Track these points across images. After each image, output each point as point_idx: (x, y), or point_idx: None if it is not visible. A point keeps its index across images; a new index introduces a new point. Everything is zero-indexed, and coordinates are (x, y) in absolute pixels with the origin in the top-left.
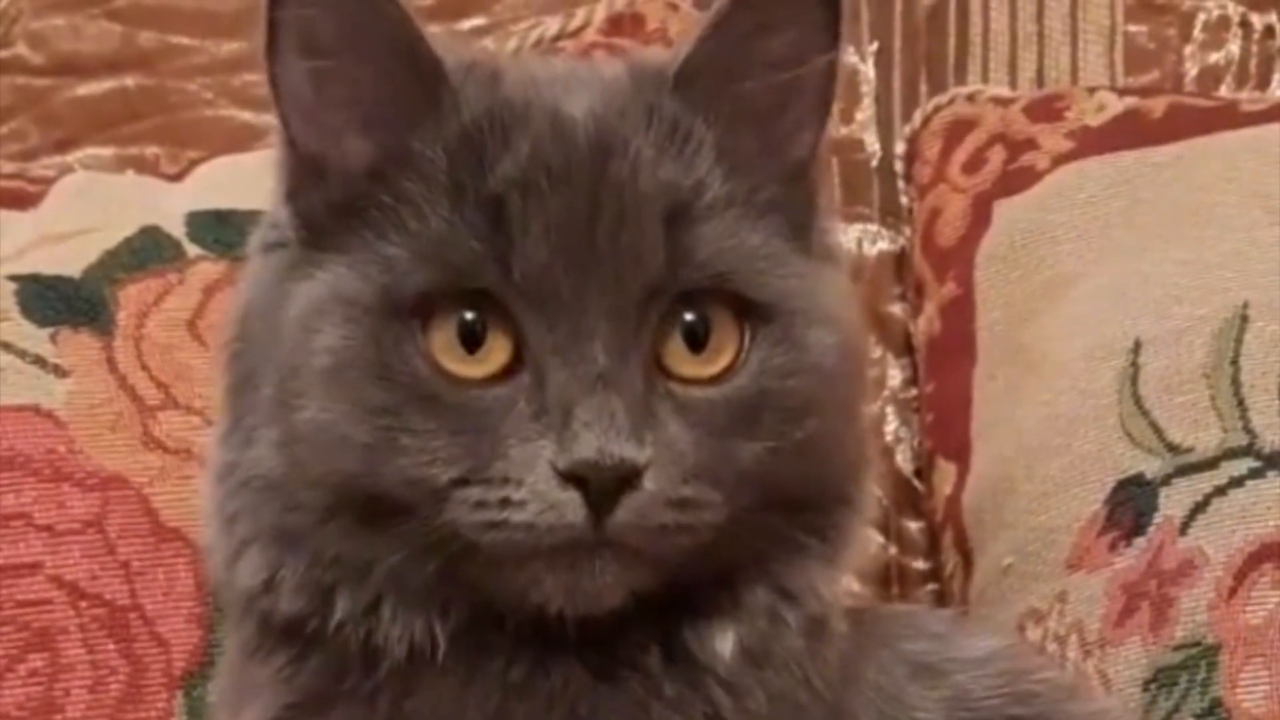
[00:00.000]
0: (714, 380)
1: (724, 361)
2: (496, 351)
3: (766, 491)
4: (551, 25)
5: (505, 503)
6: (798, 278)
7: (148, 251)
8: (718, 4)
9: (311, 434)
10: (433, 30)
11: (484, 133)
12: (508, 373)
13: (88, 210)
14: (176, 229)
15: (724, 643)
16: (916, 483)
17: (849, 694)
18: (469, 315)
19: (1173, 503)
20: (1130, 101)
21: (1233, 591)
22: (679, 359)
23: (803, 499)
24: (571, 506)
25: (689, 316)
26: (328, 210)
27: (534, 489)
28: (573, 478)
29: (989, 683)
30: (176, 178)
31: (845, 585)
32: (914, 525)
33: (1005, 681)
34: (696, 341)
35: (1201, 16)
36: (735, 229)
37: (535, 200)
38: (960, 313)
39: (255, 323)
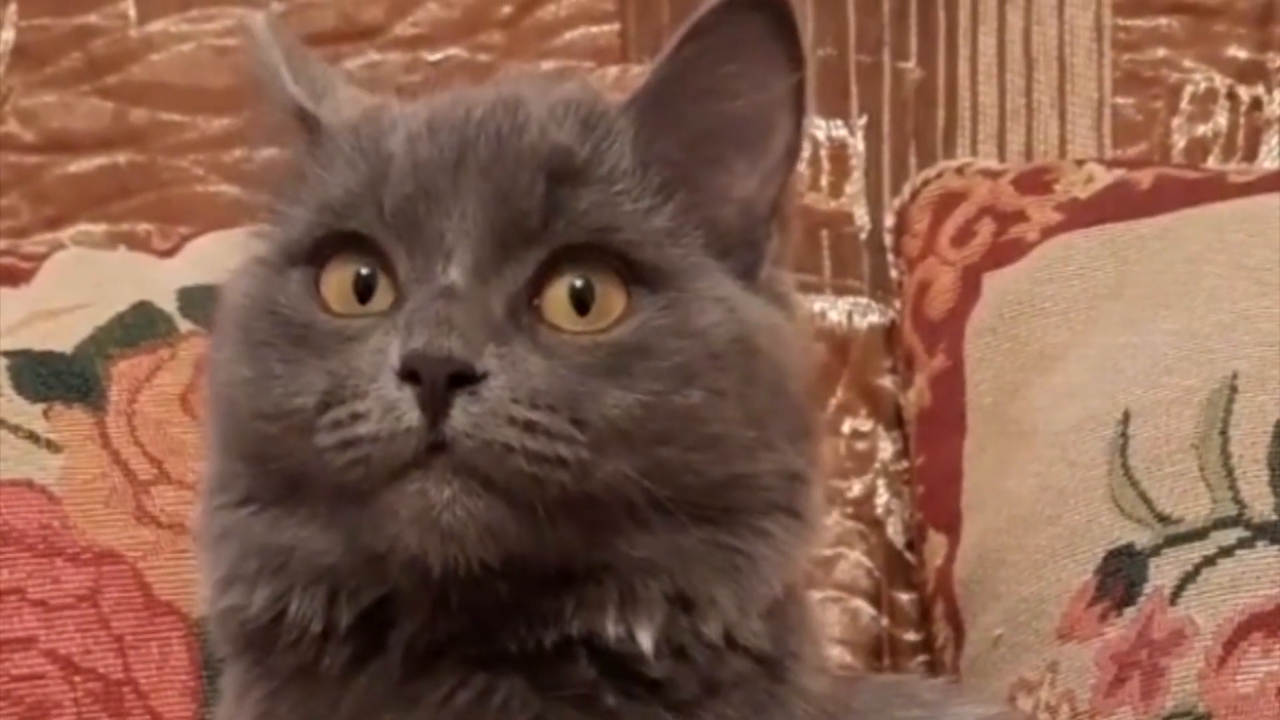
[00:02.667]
0: (590, 333)
1: (605, 323)
2: (384, 296)
3: (652, 463)
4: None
5: (354, 417)
6: (704, 268)
7: (140, 327)
8: (675, 35)
9: (220, 386)
10: None
11: (390, 108)
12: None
13: (80, 286)
14: (169, 304)
15: (644, 638)
16: (908, 555)
17: None
18: (360, 266)
19: (1162, 573)
20: (1118, 173)
21: (1223, 661)
22: (560, 315)
23: (703, 500)
24: (406, 406)
25: (575, 282)
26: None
27: (377, 395)
28: (407, 374)
29: None
30: (168, 253)
31: (762, 606)
32: (905, 597)
33: None
34: (582, 305)
35: (1189, 89)
36: (633, 200)
37: (415, 147)
38: (950, 385)
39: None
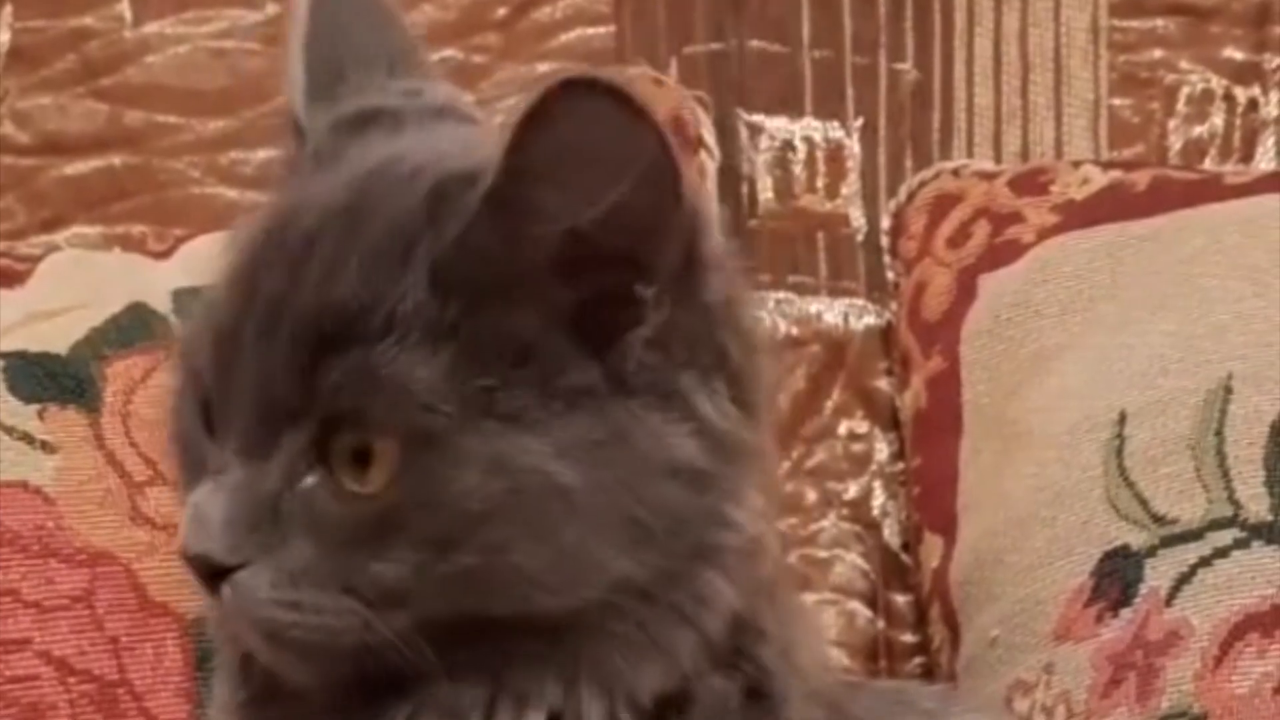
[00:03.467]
0: (356, 499)
1: (381, 483)
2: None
3: (443, 614)
4: None
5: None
6: (482, 417)
7: (135, 328)
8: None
9: None
10: None
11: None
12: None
13: (75, 288)
14: (163, 306)
15: None
16: (904, 556)
17: None
18: (197, 391)
19: (1158, 574)
20: (1114, 175)
21: (1218, 661)
22: (345, 475)
23: (529, 625)
24: (196, 584)
25: (348, 437)
26: None
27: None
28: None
29: None
30: (163, 255)
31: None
32: (901, 599)
33: None
34: (359, 461)
35: (1185, 90)
36: (401, 355)
37: (229, 294)
38: (946, 387)
39: None
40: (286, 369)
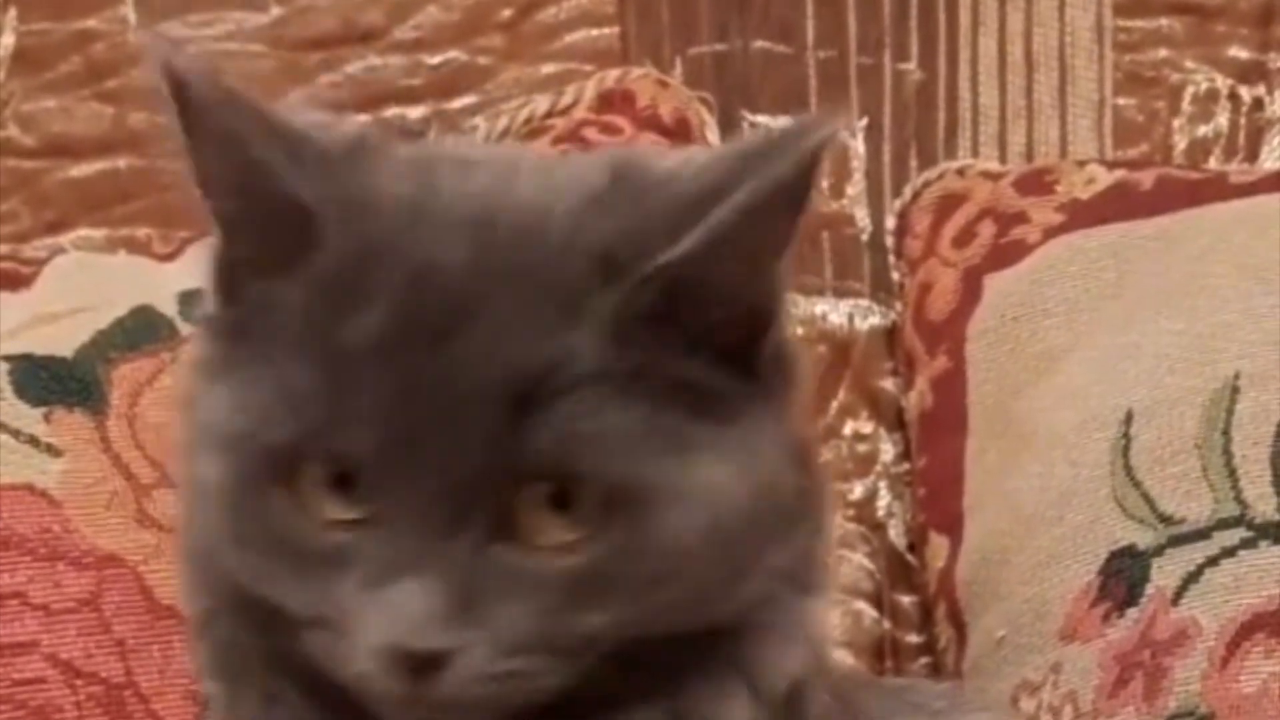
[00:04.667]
0: (559, 551)
1: (578, 534)
2: (359, 500)
3: (631, 647)
4: (541, 103)
5: (346, 656)
6: (677, 454)
7: (140, 331)
8: (721, 204)
9: (202, 549)
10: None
11: (343, 282)
12: (360, 526)
13: (80, 290)
14: (169, 308)
15: None
16: (909, 557)
17: None
18: (330, 474)
19: (1165, 573)
20: (1120, 174)
21: (1226, 661)
22: (533, 528)
23: (689, 636)
24: (393, 677)
25: (543, 490)
26: (232, 326)
27: (360, 657)
28: (387, 657)
29: None
30: (169, 257)
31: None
32: (907, 599)
33: None
34: (552, 513)
35: (1190, 89)
36: (598, 409)
37: (379, 365)
38: (952, 387)
39: (181, 401)
40: (484, 435)
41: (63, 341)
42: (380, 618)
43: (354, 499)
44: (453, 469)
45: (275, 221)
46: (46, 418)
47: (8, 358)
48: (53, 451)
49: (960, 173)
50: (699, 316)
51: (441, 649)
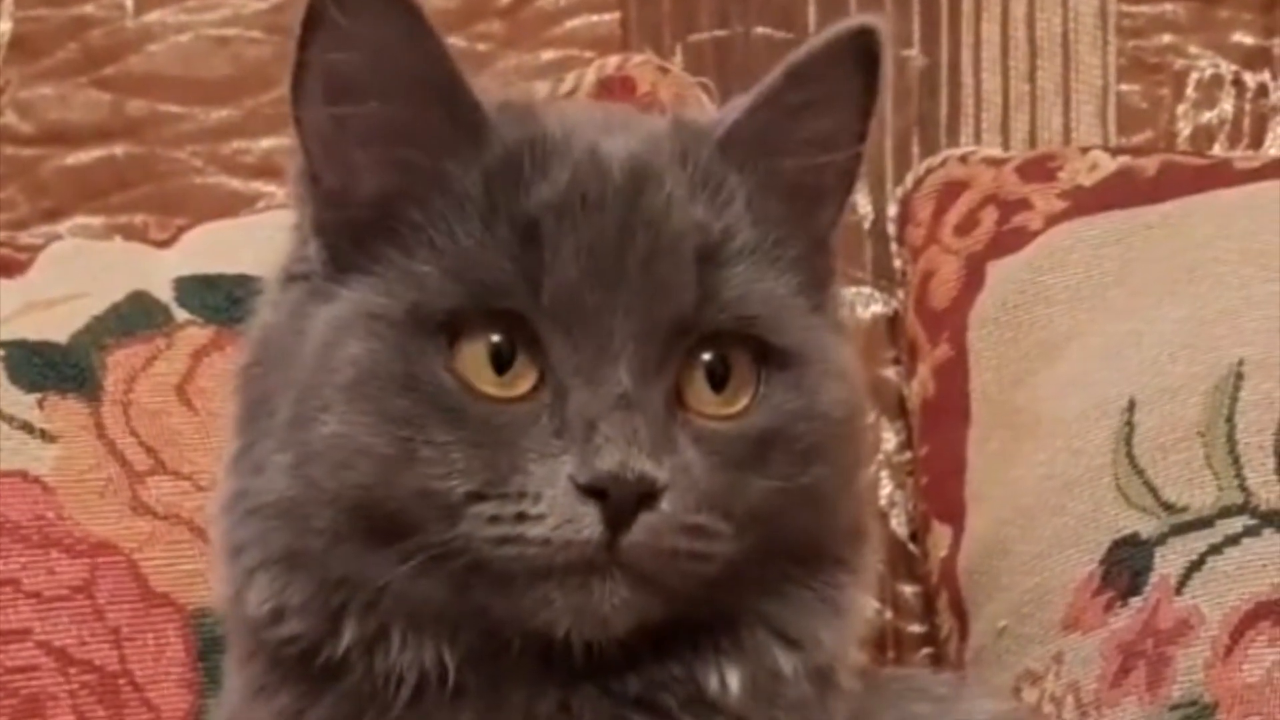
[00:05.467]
0: (730, 418)
1: (741, 403)
2: (523, 373)
3: (772, 533)
4: (542, 90)
5: (522, 517)
6: (814, 330)
7: (136, 317)
8: (769, 77)
9: (329, 449)
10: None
11: (522, 159)
12: (533, 393)
13: (76, 276)
14: (165, 294)
15: (733, 680)
16: (912, 546)
17: None
18: (498, 338)
19: (1168, 562)
20: (1123, 161)
21: (1229, 650)
22: (699, 396)
23: (802, 552)
24: (589, 521)
25: (708, 356)
26: (352, 237)
27: (553, 502)
28: (593, 491)
29: None
30: (165, 244)
31: (853, 644)
32: (909, 589)
33: None
34: (717, 381)
35: (1194, 76)
36: (761, 276)
37: (569, 224)
38: (954, 375)
39: (273, 348)
40: (684, 284)
41: (58, 327)
42: (594, 449)
43: (521, 371)
44: (651, 314)
45: (447, 118)
46: (40, 404)
47: (2, 343)
48: (46, 438)
49: (963, 159)
50: (793, 212)
51: (656, 478)
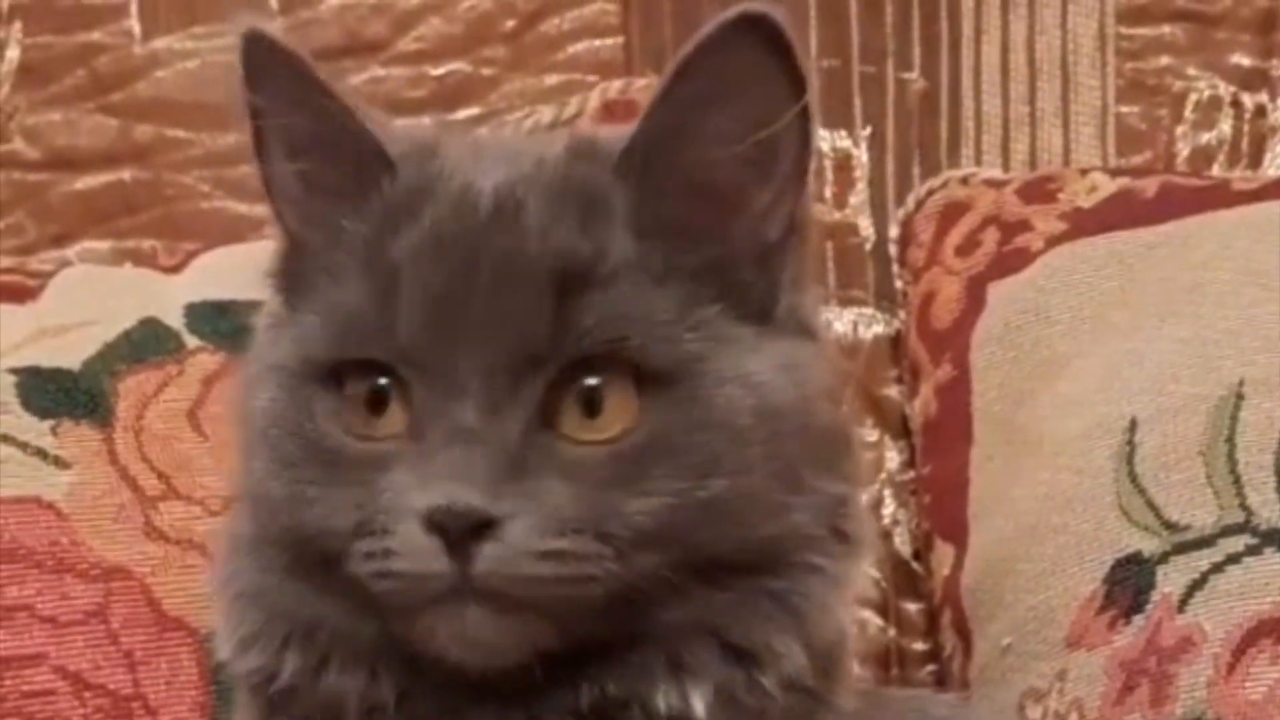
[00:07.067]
0: (608, 441)
1: (618, 426)
2: (394, 416)
3: (686, 548)
4: (546, 114)
5: (387, 553)
6: (717, 342)
7: (147, 343)
8: (664, 76)
9: (257, 493)
10: (420, 120)
11: (400, 206)
12: (400, 434)
13: (87, 303)
14: (175, 320)
15: (698, 700)
16: (915, 565)
17: None
18: (371, 384)
19: (1170, 580)
20: (1123, 182)
21: (1231, 668)
22: (572, 422)
23: (743, 561)
24: (434, 553)
25: (585, 383)
26: (290, 286)
27: (405, 537)
28: (433, 525)
29: None
30: (174, 269)
31: (824, 650)
32: (913, 607)
33: None
34: (592, 406)
35: (1193, 97)
36: (639, 295)
37: (424, 267)
38: (956, 395)
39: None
40: (533, 315)
41: (70, 354)
42: (428, 483)
43: (393, 413)
44: (502, 345)
45: (353, 163)
46: (54, 430)
47: (15, 370)
48: (60, 464)
49: (964, 181)
50: (704, 216)
51: (488, 511)
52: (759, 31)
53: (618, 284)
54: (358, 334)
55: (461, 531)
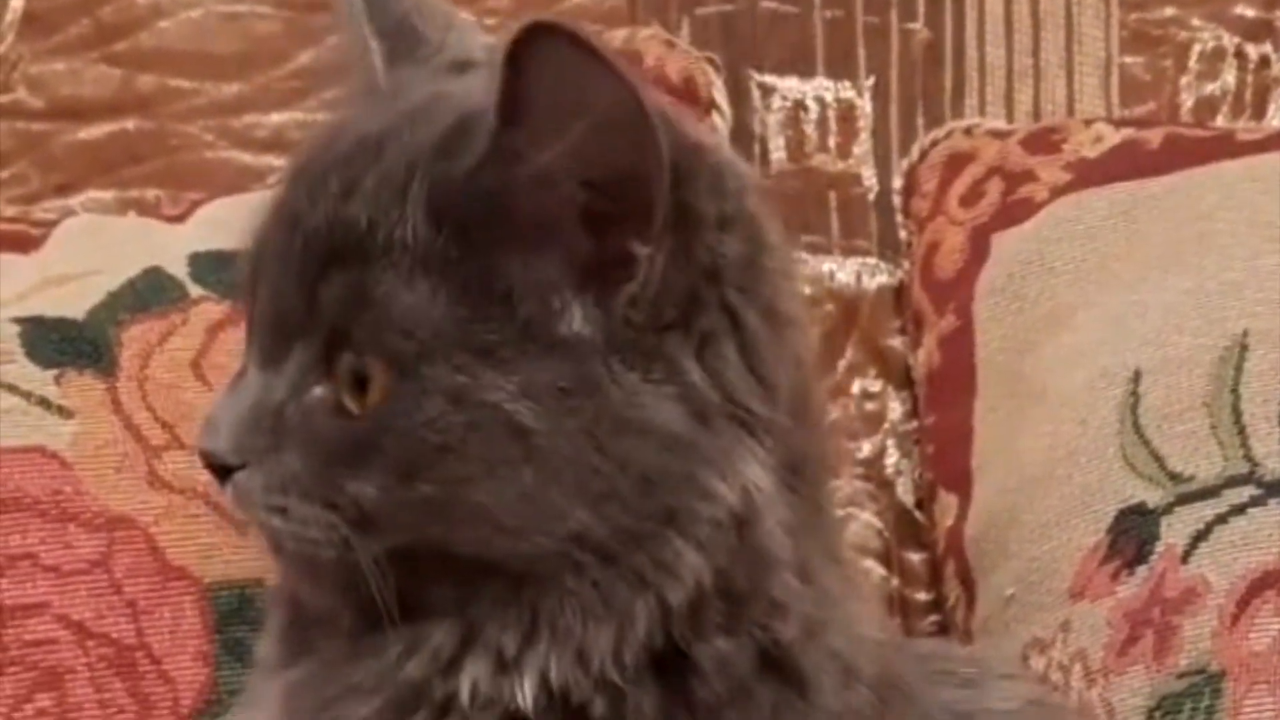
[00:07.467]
0: (354, 419)
1: (371, 403)
2: None
3: (423, 539)
4: None
5: None
6: (464, 355)
7: (151, 293)
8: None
9: None
10: None
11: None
12: None
13: (90, 253)
14: (179, 270)
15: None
16: (918, 515)
17: None
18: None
19: (1174, 531)
20: (1127, 133)
21: (1235, 619)
22: (348, 394)
23: (478, 566)
24: (212, 481)
25: (345, 355)
26: None
27: None
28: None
29: None
30: (178, 219)
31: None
32: (916, 557)
33: None
34: (359, 383)
35: (1197, 48)
36: (399, 283)
37: (258, 220)
38: (960, 345)
39: None
40: (297, 282)
41: (73, 304)
42: (204, 421)
43: None
44: (276, 308)
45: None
46: (57, 380)
47: (19, 320)
48: (64, 413)
49: (968, 132)
50: (533, 225)
51: (221, 459)
52: (559, 48)
53: (379, 261)
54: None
55: (213, 469)
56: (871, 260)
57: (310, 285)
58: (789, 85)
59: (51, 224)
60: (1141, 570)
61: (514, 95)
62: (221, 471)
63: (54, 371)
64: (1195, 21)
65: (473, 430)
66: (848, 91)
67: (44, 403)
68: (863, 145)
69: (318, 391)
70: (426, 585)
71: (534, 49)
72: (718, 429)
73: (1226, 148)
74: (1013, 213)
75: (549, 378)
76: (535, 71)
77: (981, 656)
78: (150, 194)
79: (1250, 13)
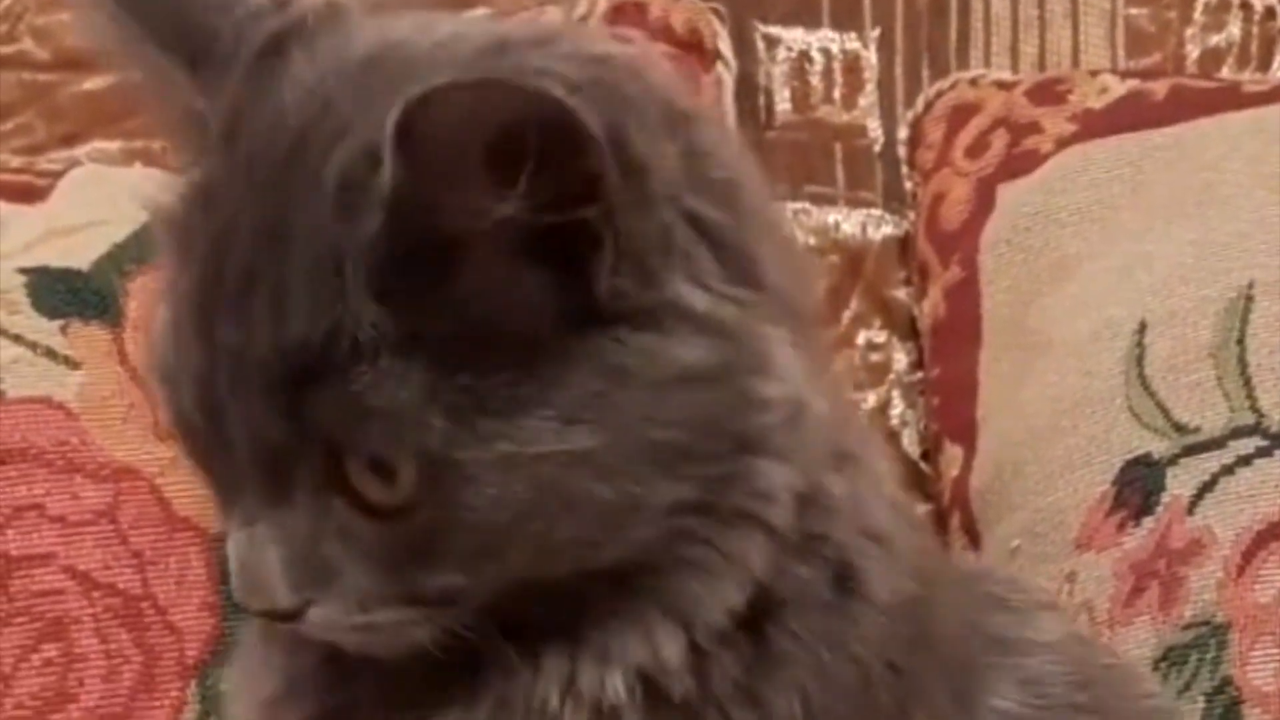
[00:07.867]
0: (397, 512)
1: (406, 491)
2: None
3: (508, 591)
4: (555, 14)
5: None
6: (474, 421)
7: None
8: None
9: None
10: None
11: (189, 215)
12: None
13: (96, 203)
14: None
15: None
16: (923, 465)
17: (919, 662)
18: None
19: (1180, 482)
20: (1132, 84)
21: (1241, 570)
22: (369, 489)
23: (589, 578)
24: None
25: (353, 461)
26: None
27: None
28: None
29: (1058, 669)
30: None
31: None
32: (921, 508)
33: (1073, 668)
34: (383, 473)
35: None
36: (379, 380)
37: (194, 327)
38: (965, 296)
39: None
40: (270, 417)
41: (79, 254)
42: (233, 575)
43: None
44: (258, 447)
45: (184, 127)
46: (63, 330)
47: (24, 270)
48: (70, 364)
49: (973, 83)
50: (473, 259)
51: (284, 607)
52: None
53: (355, 368)
54: (162, 371)
55: (281, 619)
56: (877, 212)
57: (288, 417)
58: (794, 36)
59: (57, 175)
60: (1147, 521)
61: (406, 162)
62: (291, 617)
63: (60, 322)
64: None
65: (536, 487)
66: (853, 42)
67: (50, 353)
68: (868, 96)
69: (338, 505)
70: (528, 616)
71: (416, 125)
72: (742, 338)
73: (1232, 99)
74: (1018, 164)
75: (580, 390)
76: (421, 138)
77: (1024, 584)
78: (156, 144)
79: None
